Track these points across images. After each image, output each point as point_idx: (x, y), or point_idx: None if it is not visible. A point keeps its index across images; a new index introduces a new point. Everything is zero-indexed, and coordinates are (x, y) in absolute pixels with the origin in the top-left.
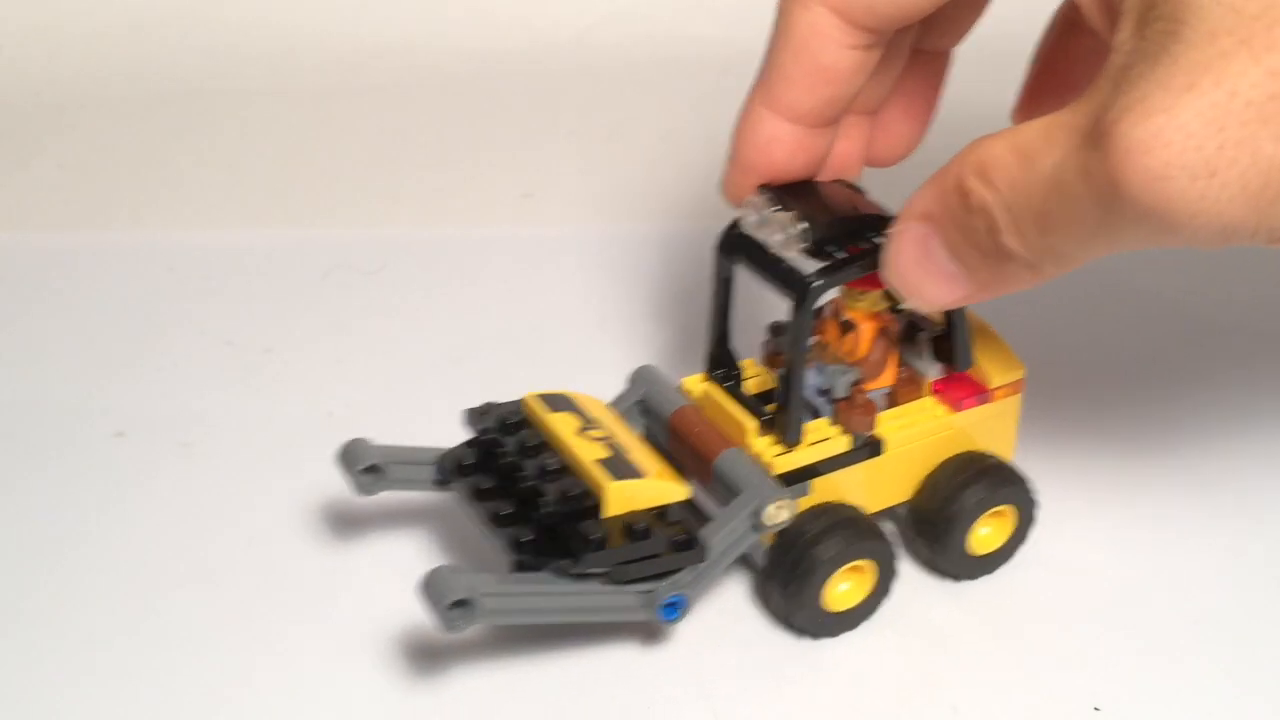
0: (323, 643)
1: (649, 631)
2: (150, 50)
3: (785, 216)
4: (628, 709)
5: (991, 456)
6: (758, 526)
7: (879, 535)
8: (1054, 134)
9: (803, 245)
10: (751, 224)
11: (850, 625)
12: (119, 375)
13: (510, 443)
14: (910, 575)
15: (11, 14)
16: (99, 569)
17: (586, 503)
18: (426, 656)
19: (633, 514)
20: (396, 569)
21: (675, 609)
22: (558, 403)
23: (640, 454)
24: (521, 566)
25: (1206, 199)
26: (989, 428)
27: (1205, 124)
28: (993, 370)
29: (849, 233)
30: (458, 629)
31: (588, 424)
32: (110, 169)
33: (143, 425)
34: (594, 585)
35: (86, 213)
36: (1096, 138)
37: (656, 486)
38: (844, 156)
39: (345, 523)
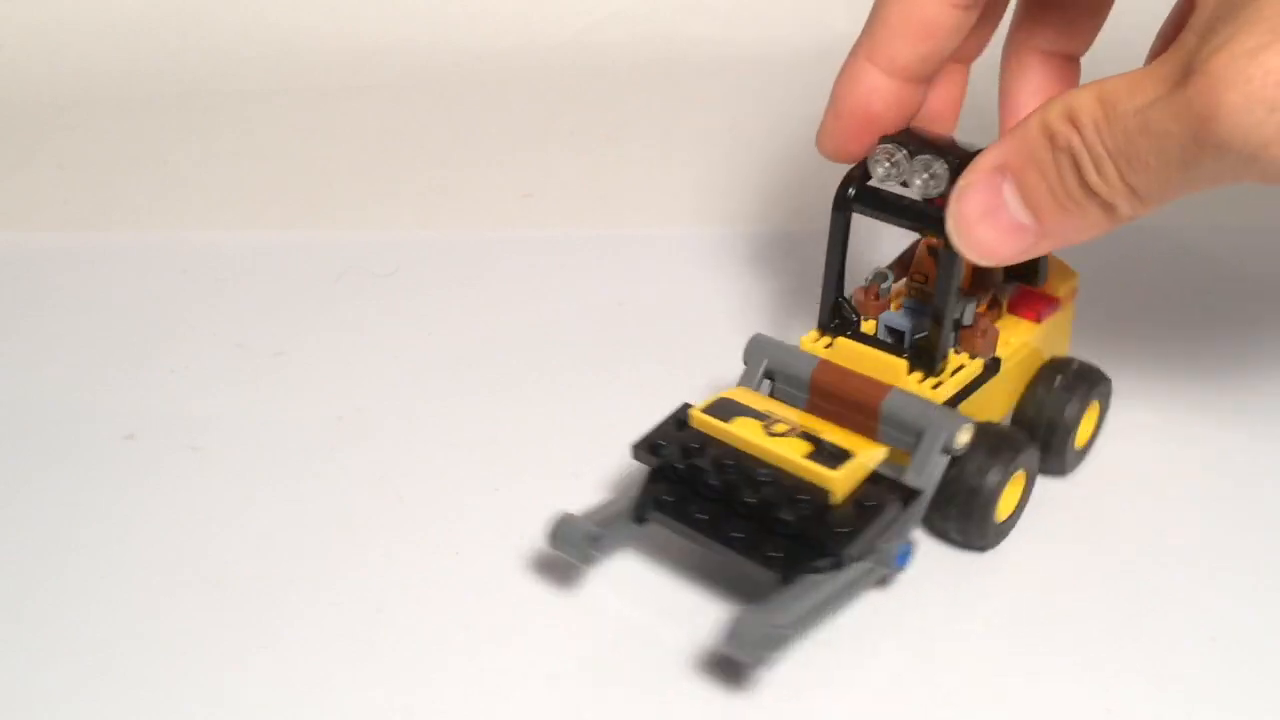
0: (330, 647)
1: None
2: (151, 50)
3: (926, 159)
4: None
5: (1073, 360)
6: (949, 450)
7: (1029, 443)
8: (1140, 82)
9: (938, 190)
10: (881, 174)
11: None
12: (128, 378)
13: (706, 465)
14: (912, 577)
15: (12, 13)
16: (107, 572)
17: (818, 500)
18: (428, 660)
19: (853, 491)
20: (404, 573)
21: (906, 556)
22: (723, 409)
23: (824, 429)
24: (786, 581)
25: None
26: (1055, 335)
27: None
28: (1055, 280)
29: None
30: (767, 662)
31: (767, 421)
32: (113, 169)
33: (153, 428)
34: (847, 571)
35: (91, 214)
36: (1187, 76)
37: (866, 456)
38: (939, 106)
39: (354, 526)
